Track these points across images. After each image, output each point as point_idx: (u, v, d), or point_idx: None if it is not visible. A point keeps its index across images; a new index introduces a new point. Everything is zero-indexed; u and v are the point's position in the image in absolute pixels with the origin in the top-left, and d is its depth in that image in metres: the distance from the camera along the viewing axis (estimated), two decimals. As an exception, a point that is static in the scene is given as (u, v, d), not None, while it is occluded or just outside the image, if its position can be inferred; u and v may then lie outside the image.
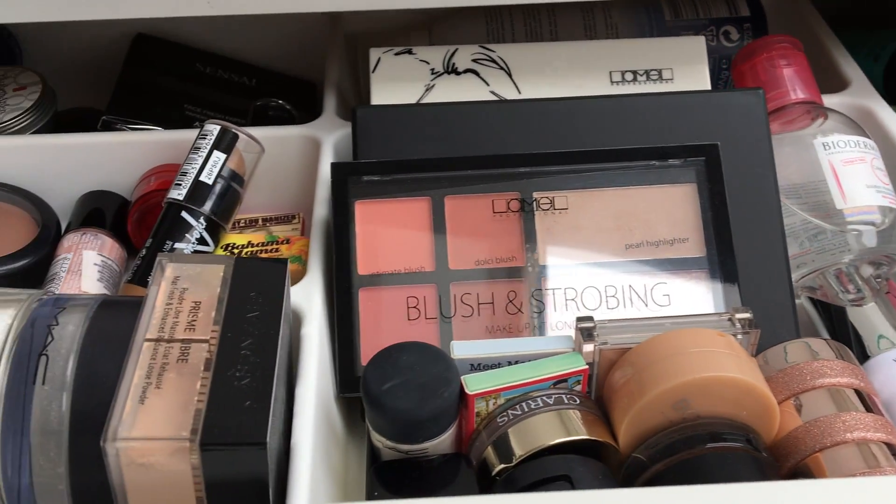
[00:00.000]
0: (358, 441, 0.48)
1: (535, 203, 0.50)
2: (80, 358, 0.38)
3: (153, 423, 0.35)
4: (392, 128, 0.54)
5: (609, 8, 0.67)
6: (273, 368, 0.37)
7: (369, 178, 0.50)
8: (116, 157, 0.61)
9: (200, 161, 0.55)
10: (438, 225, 0.50)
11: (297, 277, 0.56)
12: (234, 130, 0.56)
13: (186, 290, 0.40)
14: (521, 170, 0.50)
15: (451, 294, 0.48)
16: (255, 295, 0.40)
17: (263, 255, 0.56)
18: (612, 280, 0.48)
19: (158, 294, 0.40)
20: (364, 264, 0.49)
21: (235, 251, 0.57)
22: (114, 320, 0.40)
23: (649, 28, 0.68)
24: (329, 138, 0.61)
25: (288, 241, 0.57)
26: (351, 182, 0.50)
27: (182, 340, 0.38)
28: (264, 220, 0.63)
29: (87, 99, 0.70)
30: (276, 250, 0.57)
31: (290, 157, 0.62)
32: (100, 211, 0.59)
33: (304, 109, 0.70)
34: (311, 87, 0.75)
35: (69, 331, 0.39)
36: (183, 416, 0.35)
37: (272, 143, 0.59)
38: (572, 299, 0.48)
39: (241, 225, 0.61)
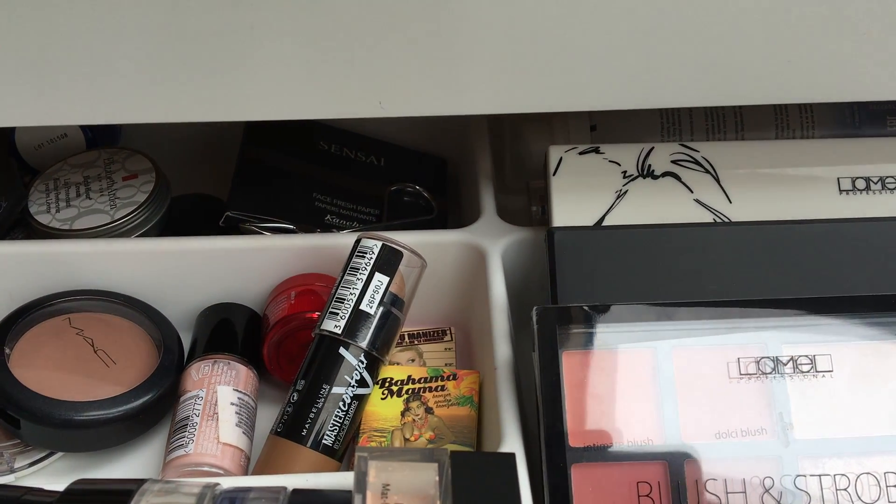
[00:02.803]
0: None
1: (791, 362, 0.40)
2: None
3: None
4: (594, 253, 0.45)
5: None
6: None
7: (579, 327, 0.41)
8: (246, 263, 0.52)
9: (360, 286, 0.46)
10: (665, 384, 0.41)
11: (472, 425, 0.47)
12: (397, 247, 0.47)
13: (402, 507, 0.32)
14: (768, 319, 0.41)
15: (690, 478, 0.39)
16: (488, 514, 0.32)
17: (431, 395, 0.47)
18: (893, 463, 0.39)
19: (367, 512, 0.31)
20: (576, 434, 0.40)
21: (394, 388, 0.48)
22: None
23: (850, 113, 0.58)
24: (495, 247, 0.52)
25: (455, 377, 0.48)
26: (560, 331, 0.41)
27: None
28: (411, 335, 0.54)
29: (193, 177, 0.62)
30: (443, 388, 0.48)
31: (443, 265, 0.53)
32: (229, 330, 0.51)
33: (434, 189, 0.62)
34: (441, 163, 0.66)
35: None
36: None
37: (424, 249, 0.50)
38: (844, 489, 0.39)
39: (387, 343, 0.52)
